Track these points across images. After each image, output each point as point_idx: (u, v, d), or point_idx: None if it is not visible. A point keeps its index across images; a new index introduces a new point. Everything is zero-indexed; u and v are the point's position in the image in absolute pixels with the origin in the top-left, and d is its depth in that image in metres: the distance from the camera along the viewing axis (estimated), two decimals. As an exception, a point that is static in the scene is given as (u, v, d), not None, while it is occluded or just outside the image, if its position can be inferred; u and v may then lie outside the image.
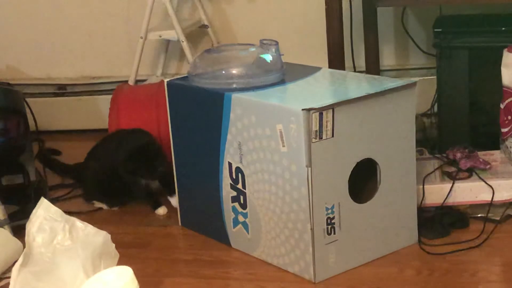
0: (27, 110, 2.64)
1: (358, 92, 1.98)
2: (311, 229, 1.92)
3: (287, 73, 2.18)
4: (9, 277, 1.80)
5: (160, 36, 3.11)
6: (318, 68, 2.27)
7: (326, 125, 1.89)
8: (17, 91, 2.63)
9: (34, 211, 1.84)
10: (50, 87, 3.51)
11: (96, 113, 3.35)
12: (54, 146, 3.12)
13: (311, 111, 1.86)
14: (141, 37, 3.08)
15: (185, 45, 3.05)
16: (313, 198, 1.91)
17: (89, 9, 3.39)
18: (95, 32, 3.41)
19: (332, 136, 1.91)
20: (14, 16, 3.45)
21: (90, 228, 1.84)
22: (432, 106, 2.83)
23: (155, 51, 3.36)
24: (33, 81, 3.48)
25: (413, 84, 2.04)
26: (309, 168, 1.89)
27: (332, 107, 1.89)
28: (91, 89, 3.47)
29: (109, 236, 1.83)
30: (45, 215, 1.82)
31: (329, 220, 1.95)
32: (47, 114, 3.34)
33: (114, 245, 1.84)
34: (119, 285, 1.50)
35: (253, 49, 2.21)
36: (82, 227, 1.83)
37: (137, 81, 3.19)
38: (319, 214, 1.93)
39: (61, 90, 3.49)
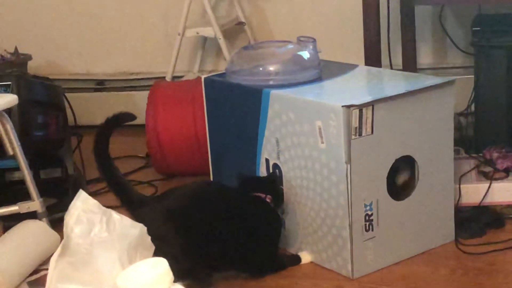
0: (67, 105, 2.67)
1: (397, 90, 1.98)
2: (349, 225, 1.93)
3: (324, 70, 2.19)
4: (47, 269, 1.82)
5: (198, 33, 3.13)
6: (355, 66, 2.28)
7: (366, 122, 1.90)
8: (57, 86, 2.67)
9: (72, 203, 1.86)
10: (89, 83, 3.54)
11: (133, 108, 3.32)
12: (92, 141, 3.15)
13: (351, 108, 1.87)
14: (179, 34, 3.10)
15: (222, 42, 3.07)
16: (352, 195, 1.91)
17: (128, 6, 3.42)
18: (134, 28, 3.44)
19: (372, 133, 1.91)
20: (54, 13, 3.49)
21: (126, 220, 1.85)
22: (469, 105, 2.82)
23: (193, 48, 3.38)
24: (72, 77, 3.53)
25: (452, 81, 2.04)
26: (348, 165, 1.90)
27: (372, 104, 1.90)
28: (129, 84, 3.50)
29: (145, 228, 1.84)
30: (83, 207, 1.84)
31: (367, 217, 1.95)
32: (86, 109, 3.37)
33: (150, 237, 1.85)
34: (153, 276, 1.51)
35: (290, 46, 2.22)
36: (118, 219, 1.84)
37: (174, 78, 3.21)
38: (357, 211, 1.93)
39: (100, 85, 3.52)
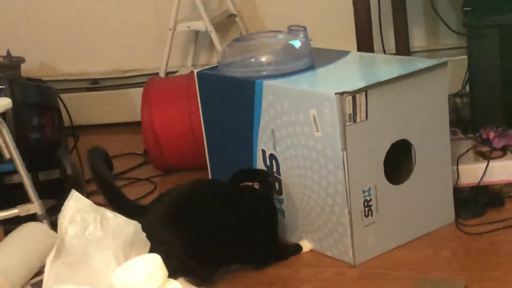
0: (61, 105, 2.67)
1: (389, 74, 1.97)
2: (349, 212, 1.93)
3: (316, 58, 2.19)
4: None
5: (189, 27, 3.13)
6: (347, 52, 2.27)
7: (360, 108, 1.90)
8: (50, 87, 2.66)
9: (65, 203, 1.85)
10: (83, 82, 3.55)
11: (129, 106, 3.38)
12: (89, 140, 3.15)
13: (345, 95, 1.86)
14: (170, 29, 3.10)
15: (214, 35, 3.06)
16: (350, 182, 1.91)
17: (118, 3, 3.42)
18: (125, 26, 3.44)
19: (366, 119, 1.91)
20: (45, 14, 3.48)
21: (120, 218, 1.85)
22: (464, 86, 2.81)
23: (185, 42, 3.37)
24: (67, 77, 3.53)
25: (445, 63, 2.03)
26: (345, 152, 1.90)
27: (365, 90, 1.89)
28: (123, 82, 3.50)
29: (139, 225, 1.84)
30: (76, 206, 1.83)
31: (366, 203, 1.96)
32: (81, 108, 3.38)
33: (144, 234, 1.85)
34: (148, 272, 1.51)
35: (281, 36, 2.21)
36: (112, 217, 1.84)
37: (168, 73, 3.21)
38: (356, 197, 1.93)
39: (94, 84, 3.52)
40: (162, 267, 1.53)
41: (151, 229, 1.86)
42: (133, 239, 1.79)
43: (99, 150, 2.05)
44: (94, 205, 1.86)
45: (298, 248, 2.07)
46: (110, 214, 1.83)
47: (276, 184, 2.10)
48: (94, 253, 1.77)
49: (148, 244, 1.80)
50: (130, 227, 1.80)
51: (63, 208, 1.83)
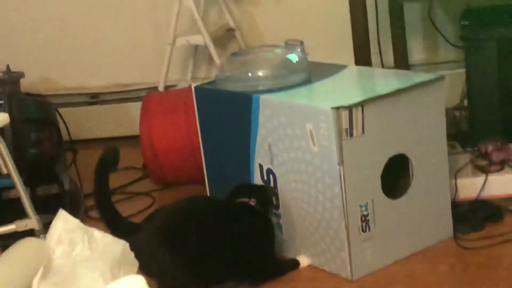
0: (60, 120, 2.67)
1: (386, 88, 1.97)
2: (346, 227, 1.92)
3: (314, 72, 2.19)
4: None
5: (188, 41, 3.13)
6: (344, 66, 2.27)
7: (356, 123, 1.89)
8: (49, 102, 2.67)
9: (52, 223, 1.85)
10: (83, 97, 3.55)
11: (128, 120, 3.38)
12: (88, 155, 3.15)
13: (341, 109, 1.86)
14: (169, 43, 3.10)
15: (212, 49, 3.07)
16: (347, 196, 1.91)
17: (118, 18, 3.42)
18: (125, 40, 3.44)
19: (363, 133, 1.91)
20: (46, 30, 3.49)
21: (108, 238, 1.85)
22: (462, 99, 2.81)
23: (184, 56, 3.38)
24: (67, 91, 3.52)
25: (442, 78, 2.03)
26: (341, 166, 1.89)
27: (361, 104, 1.89)
28: (123, 96, 3.50)
29: (127, 244, 1.83)
30: (64, 227, 1.82)
31: (363, 217, 1.95)
32: (81, 123, 3.38)
33: (132, 253, 1.84)
34: None
35: (278, 50, 2.21)
36: (100, 237, 1.83)
37: (167, 87, 3.21)
38: (353, 211, 1.93)
39: (94, 98, 3.53)
40: None
41: (145, 248, 1.85)
42: (121, 259, 1.78)
43: (109, 158, 1.99)
44: (82, 225, 1.85)
45: (296, 263, 2.06)
46: (98, 234, 1.82)
47: (274, 199, 2.10)
48: (81, 274, 1.76)
49: (136, 263, 1.79)
50: (118, 246, 1.79)
51: (50, 228, 1.82)
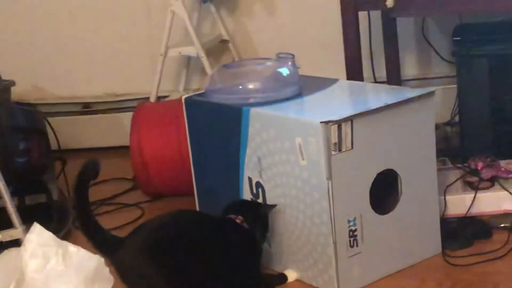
0: (49, 129, 2.66)
1: (376, 103, 1.96)
2: (333, 242, 1.91)
3: (304, 86, 2.18)
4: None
5: (180, 53, 3.13)
6: (335, 80, 2.26)
7: (345, 137, 1.89)
8: (38, 111, 2.67)
9: (26, 236, 1.83)
10: (75, 106, 3.53)
11: (120, 130, 3.37)
12: (78, 165, 3.13)
13: (330, 124, 1.85)
14: (161, 54, 3.10)
15: (204, 60, 3.06)
16: (335, 211, 1.90)
17: (111, 28, 3.42)
18: (118, 49, 3.43)
19: (352, 148, 1.90)
20: (38, 38, 3.48)
21: (83, 252, 1.82)
22: (454, 115, 2.81)
23: (177, 67, 3.37)
24: (59, 100, 3.51)
25: (432, 93, 2.03)
26: (330, 181, 1.88)
27: (350, 119, 1.88)
28: (115, 106, 3.49)
29: (102, 260, 1.81)
30: (38, 240, 1.80)
31: (351, 233, 1.94)
32: (73, 132, 3.37)
33: (108, 269, 1.82)
34: None
35: (269, 63, 2.21)
36: (75, 251, 1.81)
37: (159, 97, 3.20)
38: (341, 226, 1.92)
39: (86, 108, 3.52)
40: None
41: (130, 263, 1.83)
42: (95, 274, 1.76)
43: (89, 171, 1.99)
44: (57, 239, 1.83)
45: (283, 277, 2.04)
46: (72, 248, 1.80)
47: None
48: None
49: (112, 280, 1.77)
50: (92, 262, 1.77)
51: (24, 241, 1.81)
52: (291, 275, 2.04)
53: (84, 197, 1.91)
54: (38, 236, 1.80)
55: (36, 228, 1.81)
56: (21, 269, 1.76)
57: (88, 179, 1.93)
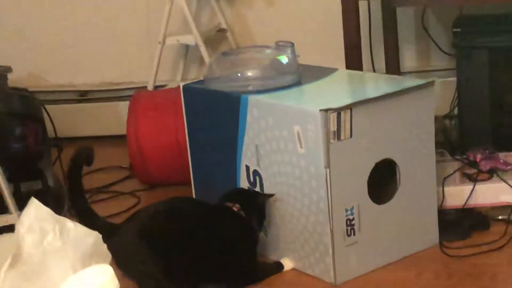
0: (46, 116, 2.65)
1: (376, 92, 1.95)
2: (331, 231, 1.90)
3: (303, 74, 2.17)
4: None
5: (178, 41, 3.12)
6: (335, 69, 2.25)
7: (344, 126, 1.87)
8: (35, 97, 2.65)
9: (24, 211, 1.79)
10: (72, 94, 3.52)
11: (117, 119, 3.36)
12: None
13: (329, 112, 1.84)
14: (159, 42, 3.08)
15: (203, 49, 3.05)
16: (332, 200, 1.88)
17: (109, 16, 3.40)
18: (116, 38, 3.42)
19: (351, 136, 1.89)
20: (35, 25, 3.46)
21: (81, 228, 1.79)
22: (453, 107, 2.80)
23: (175, 56, 3.36)
24: (56, 88, 3.50)
25: (432, 83, 2.01)
26: (328, 169, 1.87)
27: (350, 107, 1.87)
28: (112, 95, 3.47)
29: (100, 236, 1.78)
30: (35, 215, 1.76)
31: (348, 222, 1.93)
32: (69, 120, 3.35)
33: (105, 245, 1.78)
34: (98, 284, 1.44)
35: (269, 51, 2.19)
36: (73, 227, 1.77)
37: (157, 87, 3.19)
38: (338, 215, 1.91)
39: (83, 96, 3.50)
40: (113, 279, 1.46)
41: (125, 249, 1.82)
42: (92, 250, 1.73)
43: (82, 157, 1.97)
44: (54, 214, 1.79)
45: (279, 266, 2.03)
46: (70, 224, 1.78)
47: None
48: (51, 264, 1.71)
49: (109, 256, 1.76)
50: (90, 238, 1.75)
51: (21, 216, 1.78)
52: (287, 264, 2.03)
53: (77, 183, 1.91)
54: (35, 211, 1.77)
55: (33, 203, 1.78)
56: (18, 243, 1.74)
57: (81, 166, 1.93)
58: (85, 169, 2.94)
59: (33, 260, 1.72)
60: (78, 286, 1.46)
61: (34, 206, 1.77)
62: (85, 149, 1.94)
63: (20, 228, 1.75)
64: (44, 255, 1.72)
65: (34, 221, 1.76)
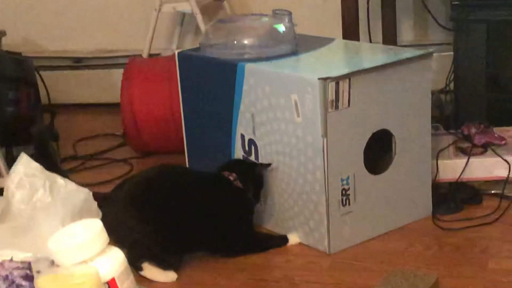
0: (39, 81, 2.63)
1: (374, 62, 1.94)
2: (326, 200, 1.90)
3: (300, 44, 2.15)
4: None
5: (174, 9, 3.10)
6: (332, 39, 2.24)
7: (343, 95, 1.87)
8: (28, 61, 2.62)
9: (13, 167, 1.76)
10: (66, 60, 3.50)
11: (111, 86, 3.34)
12: (68, 119, 3.10)
13: (328, 81, 1.83)
14: (155, 9, 3.06)
15: (199, 17, 3.03)
16: (328, 169, 1.88)
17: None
18: (112, 4, 3.40)
19: (348, 106, 1.88)
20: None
21: (71, 185, 1.76)
22: (449, 82, 2.79)
23: (171, 24, 3.33)
24: (49, 54, 3.47)
25: (430, 54, 2.00)
26: (325, 139, 1.86)
27: (348, 76, 1.86)
28: (106, 62, 3.45)
29: (90, 193, 1.75)
30: (25, 171, 1.74)
31: (344, 191, 1.93)
32: (63, 87, 3.34)
33: (96, 203, 1.76)
34: (86, 237, 1.42)
35: (266, 19, 2.18)
36: (63, 184, 1.75)
37: (151, 55, 3.17)
38: (334, 185, 1.90)
39: (77, 63, 3.48)
40: (103, 232, 1.43)
41: (115, 216, 1.80)
42: (83, 207, 1.70)
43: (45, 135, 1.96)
44: (45, 170, 1.76)
45: (284, 239, 2.00)
46: (61, 180, 1.74)
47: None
48: (41, 220, 1.66)
49: (99, 213, 1.73)
50: (81, 194, 1.72)
51: (11, 172, 1.75)
52: (294, 239, 2.00)
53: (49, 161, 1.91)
54: (25, 167, 1.73)
55: (23, 158, 1.75)
56: (7, 199, 1.72)
57: (48, 143, 1.91)
58: (78, 135, 2.98)
59: (22, 215, 1.69)
60: (66, 239, 1.42)
61: (24, 161, 1.74)
62: (46, 127, 1.94)
63: (10, 184, 1.72)
64: (34, 211, 1.69)
65: (24, 176, 1.73)
